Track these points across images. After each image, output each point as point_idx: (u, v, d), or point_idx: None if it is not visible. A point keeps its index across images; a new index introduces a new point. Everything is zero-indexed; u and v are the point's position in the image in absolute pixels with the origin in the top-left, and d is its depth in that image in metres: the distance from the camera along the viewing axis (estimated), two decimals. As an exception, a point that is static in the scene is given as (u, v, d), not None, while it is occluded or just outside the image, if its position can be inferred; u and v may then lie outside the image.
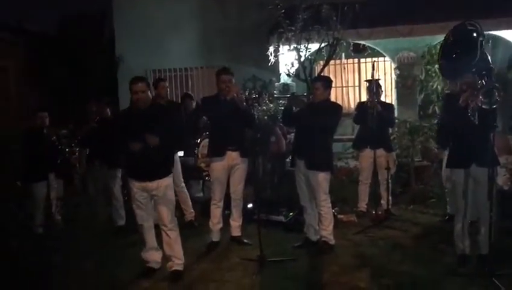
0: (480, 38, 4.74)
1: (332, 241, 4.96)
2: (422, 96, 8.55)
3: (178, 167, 5.82)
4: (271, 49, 8.19)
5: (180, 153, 6.43)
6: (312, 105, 4.88)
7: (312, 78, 5.32)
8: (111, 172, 5.92)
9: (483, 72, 4.22)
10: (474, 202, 4.34)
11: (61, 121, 6.99)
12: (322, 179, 4.84)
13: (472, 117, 4.10)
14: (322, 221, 4.94)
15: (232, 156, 5.04)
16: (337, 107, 5.14)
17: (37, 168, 5.86)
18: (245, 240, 5.18)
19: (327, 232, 4.94)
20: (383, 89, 6.50)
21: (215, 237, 5.17)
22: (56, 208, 6.05)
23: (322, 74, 7.52)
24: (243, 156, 5.08)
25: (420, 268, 4.36)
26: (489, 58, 4.44)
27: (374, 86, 5.88)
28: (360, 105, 6.42)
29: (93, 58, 10.41)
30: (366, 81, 6.37)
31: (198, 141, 6.87)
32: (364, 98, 6.57)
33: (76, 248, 5.25)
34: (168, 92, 6.28)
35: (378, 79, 6.26)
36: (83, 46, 10.67)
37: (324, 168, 4.86)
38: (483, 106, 4.02)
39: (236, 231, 5.26)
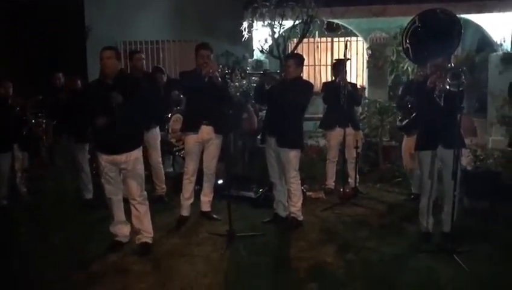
0: (458, 28, 4.84)
1: (301, 218, 5.04)
2: (392, 77, 8.69)
3: (157, 142, 5.78)
4: (245, 24, 8.13)
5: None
6: (284, 82, 4.88)
7: (285, 55, 5.30)
8: (79, 145, 5.82)
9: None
10: (439, 182, 4.48)
11: (29, 92, 6.79)
12: (293, 156, 4.88)
13: (438, 99, 4.19)
14: (291, 197, 5.00)
15: (207, 130, 5.03)
16: (308, 85, 5.15)
17: (0, 139, 5.70)
18: (214, 216, 5.20)
19: (296, 208, 5.01)
20: (349, 69, 6.54)
21: (185, 211, 5.18)
22: (21, 180, 5.93)
23: (295, 52, 7.52)
24: (217, 132, 5.07)
25: (384, 245, 4.48)
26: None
27: (344, 66, 5.91)
28: (327, 84, 6.42)
29: (62, 28, 10.04)
30: (336, 60, 6.40)
31: (169, 116, 6.80)
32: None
33: (42, 221, 5.18)
34: (144, 64, 6.13)
35: (349, 59, 6.29)
36: (51, 16, 10.27)
37: (295, 145, 4.90)
38: (451, 88, 4.11)
39: (206, 206, 5.28)
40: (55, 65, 7.58)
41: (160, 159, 5.89)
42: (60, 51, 9.61)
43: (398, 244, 4.48)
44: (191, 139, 5.05)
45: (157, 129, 5.86)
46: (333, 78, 6.28)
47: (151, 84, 5.65)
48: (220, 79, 4.81)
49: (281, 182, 5.07)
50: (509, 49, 8.27)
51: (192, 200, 5.19)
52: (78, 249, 4.46)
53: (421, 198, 4.61)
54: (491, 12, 8.04)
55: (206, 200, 5.27)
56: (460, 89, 4.09)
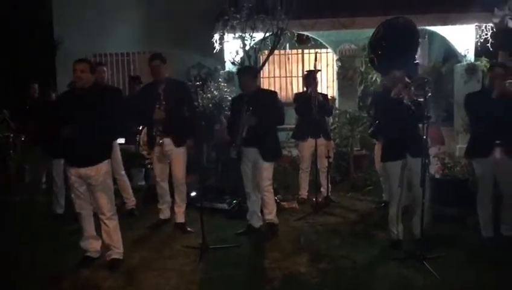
0: (416, 36, 4.97)
1: (277, 221, 5.13)
2: (362, 87, 8.84)
3: (118, 154, 5.71)
4: (216, 36, 8.16)
5: (121, 140, 6.30)
6: (247, 96, 4.93)
7: (238, 71, 5.41)
8: (52, 159, 5.68)
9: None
10: (409, 190, 4.58)
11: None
12: (269, 166, 4.98)
13: (408, 108, 4.29)
14: (267, 206, 5.07)
15: (165, 142, 5.08)
16: (273, 94, 5.32)
17: None
18: (188, 228, 5.18)
19: (272, 215, 5.10)
20: (319, 80, 6.65)
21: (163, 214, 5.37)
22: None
23: (265, 64, 7.63)
24: (176, 144, 5.09)
25: (357, 252, 4.53)
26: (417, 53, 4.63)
27: (315, 77, 6.00)
28: (299, 96, 6.47)
29: (32, 41, 9.88)
30: (307, 71, 6.49)
31: (140, 128, 6.73)
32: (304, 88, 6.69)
33: (12, 236, 5.04)
34: (108, 78, 6.08)
35: (319, 70, 6.39)
36: (21, 28, 10.09)
37: (276, 156, 5.09)
38: (418, 99, 4.22)
39: (180, 218, 5.26)
40: (24, 78, 7.44)
41: (123, 172, 5.81)
42: (29, 63, 9.44)
43: (369, 252, 4.55)
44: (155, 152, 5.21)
45: (116, 142, 5.76)
46: (305, 89, 6.35)
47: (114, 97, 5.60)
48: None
49: (255, 193, 5.10)
50: (472, 60, 8.54)
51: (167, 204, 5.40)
52: (49, 264, 4.36)
53: (390, 206, 4.70)
54: (455, 24, 8.28)
55: (180, 211, 5.27)
56: (426, 98, 4.20)
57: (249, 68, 5.69)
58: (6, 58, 9.53)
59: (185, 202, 5.28)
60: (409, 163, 4.49)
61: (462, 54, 8.60)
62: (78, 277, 4.08)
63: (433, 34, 9.09)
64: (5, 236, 5.05)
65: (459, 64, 8.66)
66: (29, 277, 4.13)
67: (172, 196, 5.43)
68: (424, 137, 4.22)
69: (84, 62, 4.19)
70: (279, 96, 5.60)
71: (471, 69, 8.39)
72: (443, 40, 8.96)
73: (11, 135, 6.43)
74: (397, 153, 4.51)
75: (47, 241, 4.95)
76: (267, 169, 4.97)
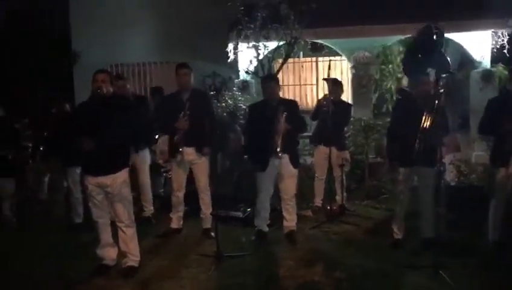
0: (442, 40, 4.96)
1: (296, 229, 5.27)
2: (376, 95, 8.82)
3: (147, 161, 5.83)
4: (230, 46, 8.24)
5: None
6: (271, 104, 4.97)
7: (262, 78, 5.45)
8: (69, 169, 5.79)
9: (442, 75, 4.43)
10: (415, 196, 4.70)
11: (17, 117, 6.80)
12: (296, 173, 5.18)
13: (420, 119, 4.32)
14: (291, 213, 5.21)
15: (187, 152, 5.11)
16: (295, 103, 5.41)
17: None
18: (212, 233, 5.10)
19: (294, 222, 5.25)
20: (344, 88, 6.65)
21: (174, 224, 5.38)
22: (8, 206, 5.86)
23: (279, 72, 7.66)
24: (198, 152, 5.14)
25: (371, 261, 4.52)
26: (449, 62, 4.60)
27: (330, 85, 6.01)
28: (318, 102, 6.51)
29: (50, 54, 10.11)
30: (324, 79, 6.51)
31: (157, 138, 6.80)
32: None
33: (30, 245, 5.14)
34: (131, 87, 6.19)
35: (334, 78, 6.41)
36: (39, 41, 10.33)
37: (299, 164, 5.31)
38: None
39: (205, 223, 5.35)
40: (43, 90, 7.64)
41: (148, 181, 5.90)
42: (48, 75, 9.65)
43: (384, 261, 4.52)
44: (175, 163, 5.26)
45: (147, 151, 5.88)
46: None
47: (140, 106, 5.70)
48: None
49: (269, 200, 5.20)
50: (488, 66, 8.46)
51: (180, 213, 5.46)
52: (65, 272, 4.42)
53: (395, 209, 4.85)
54: (469, 31, 8.24)
55: (206, 218, 5.35)
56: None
57: (274, 76, 5.74)
58: (26, 70, 9.76)
59: (210, 209, 5.30)
60: (418, 171, 4.53)
61: (478, 60, 8.54)
62: (93, 285, 4.14)
63: (448, 41, 9.03)
64: (24, 245, 5.13)
65: (475, 70, 8.59)
66: (45, 284, 4.21)
67: (187, 204, 5.50)
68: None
69: (104, 72, 4.29)
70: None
71: (487, 75, 8.32)
72: (458, 47, 8.90)
73: (30, 145, 6.55)
74: (406, 160, 4.52)
75: (64, 250, 5.02)
76: (294, 176, 5.14)
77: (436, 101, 4.27)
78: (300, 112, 5.32)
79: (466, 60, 9.09)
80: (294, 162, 5.09)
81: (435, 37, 4.38)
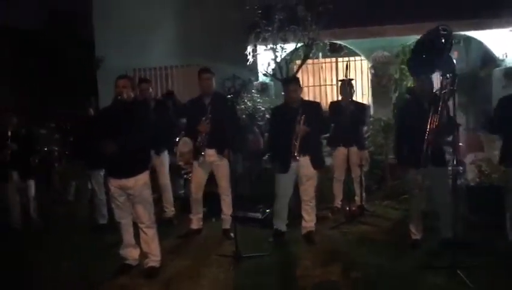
0: (448, 41, 4.92)
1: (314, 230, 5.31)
2: (396, 94, 8.77)
3: (166, 164, 5.95)
4: (249, 48, 8.32)
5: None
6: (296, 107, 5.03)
7: (284, 80, 5.52)
8: (93, 171, 5.97)
9: (448, 75, 4.41)
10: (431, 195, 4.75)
11: (41, 121, 7.04)
12: (315, 174, 5.21)
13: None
14: (310, 214, 5.26)
15: (209, 154, 5.21)
16: (319, 105, 5.48)
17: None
18: (231, 234, 5.16)
19: (313, 223, 5.30)
20: (354, 88, 6.66)
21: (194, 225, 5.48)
22: (32, 208, 6.08)
23: (296, 74, 7.69)
24: (219, 153, 5.24)
25: (388, 261, 4.53)
26: (454, 61, 4.61)
27: (347, 86, 6.03)
28: (333, 104, 6.52)
29: (72, 59, 10.38)
30: (339, 81, 6.53)
31: (177, 140, 6.93)
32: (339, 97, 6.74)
33: (54, 245, 5.32)
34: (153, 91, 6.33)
35: (352, 79, 6.43)
36: (62, 47, 10.62)
37: (323, 165, 5.38)
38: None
39: (225, 224, 5.44)
40: (68, 95, 7.86)
41: (168, 182, 6.03)
42: (73, 80, 9.92)
43: (402, 261, 4.53)
44: (196, 165, 5.34)
45: (166, 153, 6.01)
46: (340, 97, 6.38)
47: (161, 110, 5.83)
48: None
49: (287, 200, 5.26)
50: (511, 64, 8.33)
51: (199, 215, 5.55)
52: (88, 272, 4.58)
53: (410, 209, 4.90)
54: (490, 28, 8.13)
55: (226, 219, 5.44)
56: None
57: (295, 77, 5.79)
58: (52, 76, 10.05)
59: (230, 210, 5.33)
60: (430, 171, 4.55)
61: (500, 58, 8.41)
62: (115, 284, 4.27)
63: (470, 39, 8.93)
64: (49, 246, 5.31)
65: (497, 68, 8.47)
66: (69, 283, 4.38)
67: (206, 205, 5.63)
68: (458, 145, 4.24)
69: (126, 78, 4.43)
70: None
71: (509, 73, 8.19)
72: (480, 45, 8.78)
73: (56, 148, 6.77)
74: (414, 161, 4.53)
75: (89, 251, 5.19)
76: (314, 177, 5.18)
77: (441, 102, 4.27)
78: (323, 113, 5.36)
79: (488, 58, 8.97)
80: (316, 163, 5.11)
81: (442, 39, 4.34)
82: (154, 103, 6.01)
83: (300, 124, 4.91)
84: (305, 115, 4.91)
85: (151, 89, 6.08)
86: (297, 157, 4.97)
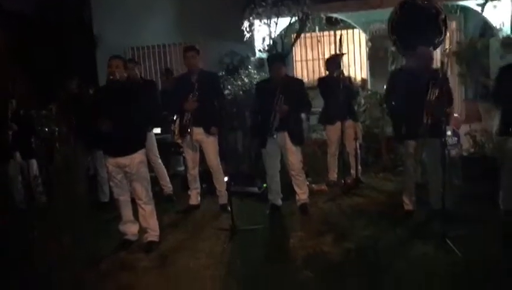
0: (441, 16, 4.92)
1: (308, 202, 5.45)
2: (393, 67, 8.74)
3: (153, 142, 6.03)
4: (245, 24, 8.30)
5: (158, 130, 6.64)
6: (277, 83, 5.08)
7: (268, 58, 5.56)
8: (94, 150, 6.06)
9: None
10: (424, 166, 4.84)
11: (40, 102, 7.11)
12: (297, 149, 5.25)
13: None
14: (301, 187, 5.35)
15: (196, 132, 5.31)
16: (301, 82, 5.51)
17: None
18: (229, 208, 5.23)
19: (306, 195, 5.41)
20: (350, 61, 6.67)
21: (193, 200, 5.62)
22: (34, 186, 6.23)
23: (292, 48, 7.67)
24: (206, 131, 5.33)
25: (380, 232, 4.66)
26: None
27: (337, 62, 6.03)
28: (322, 80, 6.45)
29: (72, 38, 10.38)
30: (328, 57, 6.53)
31: (174, 118, 7.03)
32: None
33: (56, 223, 5.46)
34: (142, 71, 6.37)
35: (344, 54, 6.41)
36: (60, 26, 10.61)
37: (302, 141, 5.38)
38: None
39: (221, 200, 5.58)
40: (65, 75, 7.89)
41: (158, 160, 6.11)
42: (70, 60, 9.94)
43: (394, 231, 4.66)
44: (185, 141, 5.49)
45: (153, 132, 6.06)
46: (327, 73, 6.37)
47: (148, 89, 5.89)
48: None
49: (277, 174, 5.37)
50: (509, 33, 8.26)
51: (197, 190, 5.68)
52: (89, 248, 4.75)
53: (404, 180, 4.99)
54: (485, -3, 8.04)
55: (221, 194, 5.57)
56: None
57: (279, 54, 5.84)
58: (50, 56, 10.07)
59: (224, 186, 5.47)
60: (425, 143, 4.62)
61: (498, 27, 8.35)
62: (116, 258, 4.45)
63: (467, 9, 8.84)
64: (49, 223, 5.46)
65: (494, 38, 8.41)
66: (70, 258, 4.54)
67: (204, 182, 5.76)
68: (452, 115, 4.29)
69: (118, 58, 4.51)
70: (311, 80, 5.71)
71: (507, 43, 8.13)
72: (477, 15, 8.70)
73: (57, 129, 6.88)
74: (413, 133, 4.59)
75: (91, 227, 5.34)
76: (297, 152, 5.22)
77: (440, 74, 4.32)
78: (305, 91, 5.37)
79: (487, 28, 8.89)
80: (295, 139, 5.16)
81: (431, 12, 4.37)
82: (141, 82, 6.06)
83: (279, 103, 4.98)
84: (284, 94, 4.96)
85: (137, 70, 6.11)
86: (274, 136, 5.07)
